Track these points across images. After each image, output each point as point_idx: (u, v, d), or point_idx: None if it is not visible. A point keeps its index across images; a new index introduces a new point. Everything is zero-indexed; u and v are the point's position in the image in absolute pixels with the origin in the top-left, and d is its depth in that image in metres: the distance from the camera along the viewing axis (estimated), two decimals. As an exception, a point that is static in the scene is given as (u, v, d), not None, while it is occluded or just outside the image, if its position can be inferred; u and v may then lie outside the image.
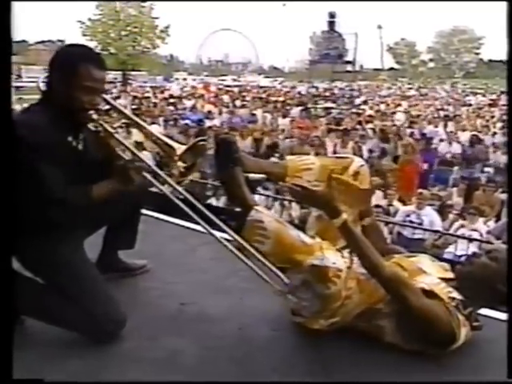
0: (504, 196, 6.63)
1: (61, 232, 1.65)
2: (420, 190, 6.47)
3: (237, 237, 1.66)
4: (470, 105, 17.83)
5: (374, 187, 7.20)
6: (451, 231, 5.56)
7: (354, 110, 12.60)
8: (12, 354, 1.23)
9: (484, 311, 1.67)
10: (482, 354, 1.62)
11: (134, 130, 9.80)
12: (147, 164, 1.74)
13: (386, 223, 5.99)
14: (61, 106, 1.62)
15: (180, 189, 1.77)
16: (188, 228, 2.61)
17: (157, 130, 9.57)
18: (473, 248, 4.77)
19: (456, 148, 8.40)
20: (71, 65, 1.59)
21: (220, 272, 2.15)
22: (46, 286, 1.69)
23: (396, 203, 6.71)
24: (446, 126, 10.40)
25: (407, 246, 5.46)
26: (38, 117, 1.59)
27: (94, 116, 1.67)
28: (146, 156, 9.27)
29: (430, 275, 1.61)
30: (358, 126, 9.53)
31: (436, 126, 10.10)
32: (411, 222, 5.66)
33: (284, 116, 11.09)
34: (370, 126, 10.00)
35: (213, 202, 5.83)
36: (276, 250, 1.59)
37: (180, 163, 1.76)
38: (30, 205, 1.57)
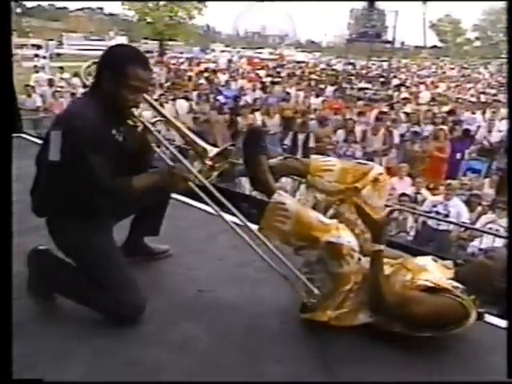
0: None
1: (97, 219, 1.79)
2: (449, 181, 6.35)
3: (251, 226, 1.77)
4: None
5: (404, 174, 7.15)
6: (478, 224, 5.49)
7: (389, 92, 12.28)
8: (12, 354, 1.28)
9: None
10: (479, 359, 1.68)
11: (165, 106, 9.84)
12: (182, 161, 1.83)
13: (413, 213, 5.97)
14: (108, 102, 1.74)
15: (207, 183, 1.86)
16: (211, 214, 2.72)
17: (186, 106, 9.66)
18: (498, 243, 4.72)
19: (495, 136, 8.13)
20: (120, 65, 1.71)
21: (237, 260, 2.26)
22: (77, 268, 1.84)
23: (424, 191, 6.64)
24: (484, 112, 10.04)
25: (432, 236, 5.46)
26: (87, 110, 1.70)
27: (136, 113, 1.80)
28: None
29: (432, 273, 1.68)
30: (389, 110, 9.32)
31: (474, 113, 9.75)
32: (437, 212, 5.61)
33: (317, 95, 10.95)
34: (405, 109, 9.77)
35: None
36: (296, 229, 1.68)
37: (209, 162, 1.85)
38: (76, 190, 1.72)
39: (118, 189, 1.76)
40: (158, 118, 1.94)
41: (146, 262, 2.23)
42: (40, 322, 1.80)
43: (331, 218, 1.88)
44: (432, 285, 1.59)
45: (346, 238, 1.59)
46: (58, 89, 10.62)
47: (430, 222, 5.58)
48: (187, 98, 9.81)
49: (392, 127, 8.04)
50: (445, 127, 7.69)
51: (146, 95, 1.86)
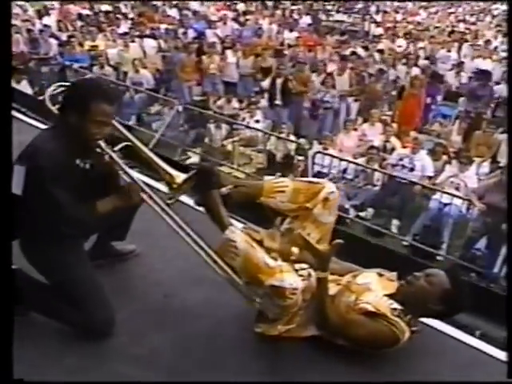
0: (503, 136, 6.63)
1: (67, 241, 1.88)
2: (415, 135, 6.45)
3: (210, 251, 1.87)
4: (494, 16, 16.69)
5: (375, 120, 7.18)
6: (443, 176, 5.69)
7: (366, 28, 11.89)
8: (12, 354, 1.37)
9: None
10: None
11: (132, 46, 9.42)
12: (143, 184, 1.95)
13: (380, 164, 6.12)
14: (73, 135, 1.81)
15: (167, 208, 1.95)
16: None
17: (154, 45, 9.18)
18: (457, 201, 4.96)
19: (464, 79, 8.13)
20: (85, 101, 1.75)
21: (200, 260, 2.36)
22: (50, 287, 1.94)
23: (393, 139, 6.75)
24: (460, 48, 9.93)
25: (398, 189, 5.66)
26: (51, 146, 1.77)
27: (102, 144, 1.87)
28: (146, 76, 8.99)
29: (375, 292, 1.84)
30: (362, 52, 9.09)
31: (449, 50, 9.62)
32: (403, 166, 5.77)
33: (291, 30, 10.54)
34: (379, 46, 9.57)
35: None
36: (244, 267, 1.81)
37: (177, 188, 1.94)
38: (44, 219, 1.81)
39: (83, 217, 1.85)
40: (125, 144, 1.96)
41: (114, 264, 2.31)
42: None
43: (285, 232, 2.00)
44: (372, 309, 1.74)
45: (288, 280, 1.70)
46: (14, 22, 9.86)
47: (397, 174, 5.75)
48: (154, 37, 9.30)
49: (362, 69, 7.90)
50: (421, 76, 7.58)
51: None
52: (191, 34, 10.22)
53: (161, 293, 2.18)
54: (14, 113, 4.46)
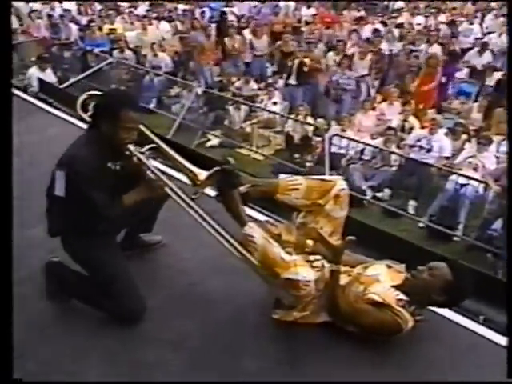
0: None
1: (102, 237, 2.11)
2: (434, 116, 6.41)
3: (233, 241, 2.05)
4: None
5: (394, 99, 7.15)
6: (461, 156, 5.70)
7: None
8: (12, 354, 1.42)
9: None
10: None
11: (150, 28, 9.48)
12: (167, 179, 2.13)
13: (397, 145, 6.15)
14: (104, 141, 2.01)
15: (189, 201, 2.12)
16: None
17: (170, 29, 9.22)
18: (474, 183, 4.99)
19: (487, 58, 7.95)
20: (114, 110, 1.94)
21: (223, 249, 2.54)
22: (88, 277, 2.16)
23: (412, 119, 6.73)
24: (482, 21, 9.65)
25: (415, 170, 5.71)
26: (85, 152, 1.98)
27: (131, 147, 2.05)
28: (165, 59, 9.09)
29: (382, 283, 1.99)
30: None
31: (471, 23, 9.36)
32: (421, 147, 5.79)
33: (308, 6, 10.40)
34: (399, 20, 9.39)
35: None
36: (261, 261, 1.98)
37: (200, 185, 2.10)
38: (82, 218, 2.03)
39: (115, 213, 2.05)
40: (151, 146, 2.14)
41: (143, 254, 2.52)
42: (57, 323, 2.15)
43: (300, 226, 2.15)
44: (379, 300, 1.89)
45: (302, 273, 1.86)
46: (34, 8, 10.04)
47: (414, 156, 5.79)
48: (171, 19, 9.33)
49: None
50: (437, 54, 7.45)
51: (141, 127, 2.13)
52: (208, 13, 10.20)
53: (186, 281, 2.37)
54: (43, 105, 4.68)
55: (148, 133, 2.22)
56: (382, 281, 1.98)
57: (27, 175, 3.12)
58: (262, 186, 2.14)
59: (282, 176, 2.20)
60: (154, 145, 2.17)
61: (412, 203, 5.51)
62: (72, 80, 7.18)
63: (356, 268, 2.09)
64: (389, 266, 2.08)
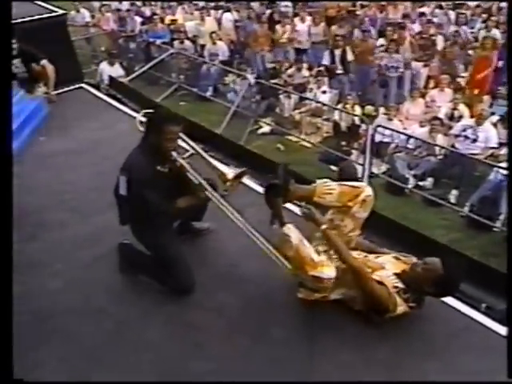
0: None
1: (160, 226, 2.65)
2: (487, 102, 6.35)
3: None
4: None
5: (445, 86, 7.15)
6: (504, 150, 5.69)
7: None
8: (12, 354, 1.51)
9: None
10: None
11: (208, 19, 10.02)
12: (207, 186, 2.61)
13: (444, 133, 6.21)
14: (153, 149, 2.53)
15: (220, 199, 2.62)
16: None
17: (231, 20, 9.62)
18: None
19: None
20: (159, 125, 2.47)
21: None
22: (152, 257, 2.72)
23: (462, 107, 6.73)
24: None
25: (459, 160, 5.80)
26: (140, 160, 2.51)
27: (174, 153, 2.56)
28: (222, 47, 9.58)
29: (386, 270, 2.37)
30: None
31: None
32: (466, 137, 5.85)
33: (364, -12, 10.31)
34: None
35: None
36: (294, 258, 2.40)
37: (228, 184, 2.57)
38: (142, 212, 2.56)
39: (169, 209, 2.59)
40: (191, 153, 2.61)
41: (194, 239, 3.06)
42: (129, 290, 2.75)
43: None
44: (379, 279, 2.28)
45: (326, 273, 2.28)
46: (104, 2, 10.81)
47: (459, 146, 5.87)
48: (229, 9, 9.72)
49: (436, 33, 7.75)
50: (493, 36, 7.30)
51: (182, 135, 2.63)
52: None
53: (228, 262, 2.88)
54: (112, 101, 5.27)
55: (188, 140, 2.73)
56: (387, 268, 2.36)
57: (102, 168, 3.75)
58: (301, 191, 2.54)
59: (318, 181, 2.57)
60: (193, 151, 2.71)
61: (454, 192, 5.64)
62: (137, 72, 7.87)
63: (370, 256, 2.48)
64: (397, 258, 2.45)
